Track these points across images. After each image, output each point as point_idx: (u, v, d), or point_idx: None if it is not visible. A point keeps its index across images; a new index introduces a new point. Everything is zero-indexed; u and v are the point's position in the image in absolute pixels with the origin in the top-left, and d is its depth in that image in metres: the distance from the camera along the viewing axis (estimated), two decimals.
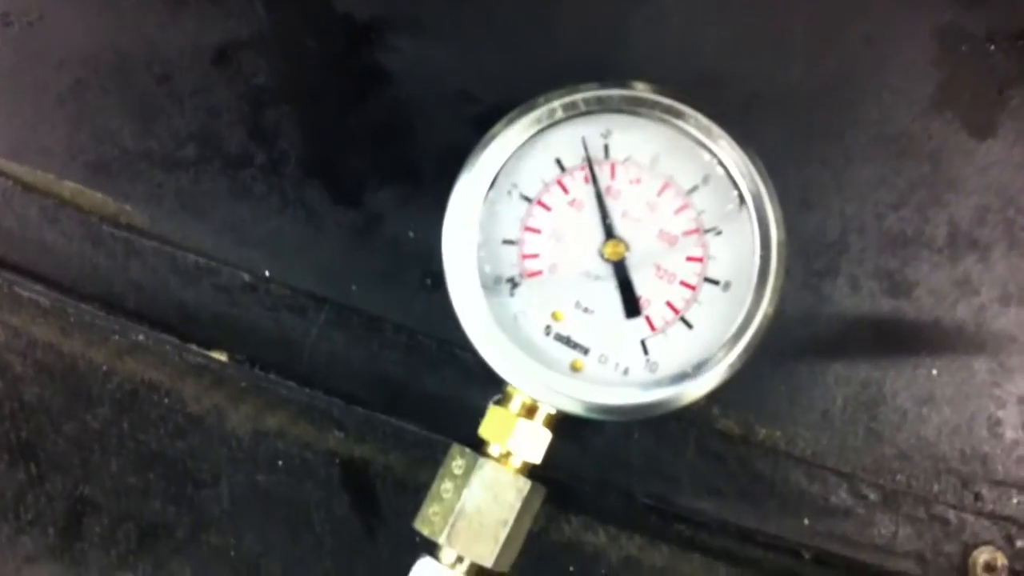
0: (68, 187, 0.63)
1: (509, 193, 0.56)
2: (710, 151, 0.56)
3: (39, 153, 0.63)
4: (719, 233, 0.56)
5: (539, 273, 0.56)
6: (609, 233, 0.56)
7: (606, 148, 0.57)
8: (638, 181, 0.56)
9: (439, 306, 0.57)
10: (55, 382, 0.61)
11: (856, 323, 0.62)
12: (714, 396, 0.59)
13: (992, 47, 0.64)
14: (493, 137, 0.56)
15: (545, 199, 0.56)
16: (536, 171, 0.57)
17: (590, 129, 0.57)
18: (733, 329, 0.54)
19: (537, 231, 0.56)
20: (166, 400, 0.61)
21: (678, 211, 0.56)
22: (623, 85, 0.57)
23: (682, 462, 0.60)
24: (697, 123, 0.56)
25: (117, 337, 0.61)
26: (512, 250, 0.56)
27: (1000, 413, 0.61)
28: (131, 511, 0.61)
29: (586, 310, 0.55)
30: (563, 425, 0.57)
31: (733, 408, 0.61)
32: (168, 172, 0.63)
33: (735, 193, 0.56)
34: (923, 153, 0.63)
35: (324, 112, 0.64)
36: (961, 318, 0.61)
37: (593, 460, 0.60)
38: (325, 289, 0.62)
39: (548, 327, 0.56)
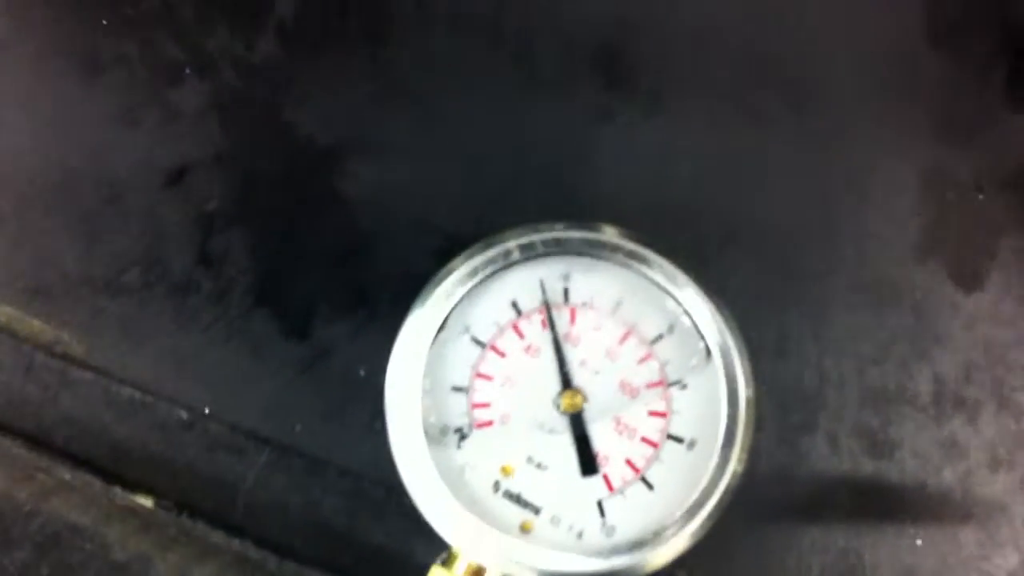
0: (4, 312, 0.59)
1: (461, 336, 0.53)
2: (675, 299, 0.53)
3: None
4: (684, 387, 0.52)
5: (489, 424, 0.52)
6: (566, 383, 0.52)
7: (565, 292, 0.53)
8: (599, 328, 0.53)
9: (388, 450, 0.52)
10: None
11: (834, 484, 0.58)
12: (678, 559, 0.55)
13: (980, 195, 0.61)
14: (446, 275, 0.53)
15: (499, 344, 0.53)
16: (490, 314, 0.53)
17: (549, 271, 0.54)
18: (697, 492, 0.50)
19: (489, 378, 0.52)
20: (89, 545, 0.56)
21: (641, 361, 0.52)
22: (585, 227, 0.54)
23: None
24: (662, 270, 0.53)
25: (43, 475, 0.57)
26: (461, 398, 0.52)
27: None
28: None
29: (539, 466, 0.51)
30: None
31: (699, 573, 0.56)
32: (110, 298, 0.60)
33: (702, 345, 0.52)
34: (906, 303, 0.60)
35: (277, 238, 0.61)
36: (947, 483, 0.58)
37: None
38: (267, 428, 0.58)
39: (497, 483, 0.51)
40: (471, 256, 0.53)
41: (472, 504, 0.50)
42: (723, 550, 0.56)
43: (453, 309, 0.52)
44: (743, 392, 0.51)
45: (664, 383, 0.52)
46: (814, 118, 0.64)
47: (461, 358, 0.52)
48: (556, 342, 0.52)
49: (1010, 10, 0.66)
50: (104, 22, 0.64)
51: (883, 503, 0.58)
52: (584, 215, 0.55)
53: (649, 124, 0.64)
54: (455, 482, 0.50)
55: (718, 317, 0.52)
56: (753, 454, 0.53)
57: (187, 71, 0.63)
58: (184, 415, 0.57)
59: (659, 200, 0.61)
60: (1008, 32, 0.66)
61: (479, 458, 0.51)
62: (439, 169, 0.62)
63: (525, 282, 0.54)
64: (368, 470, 0.57)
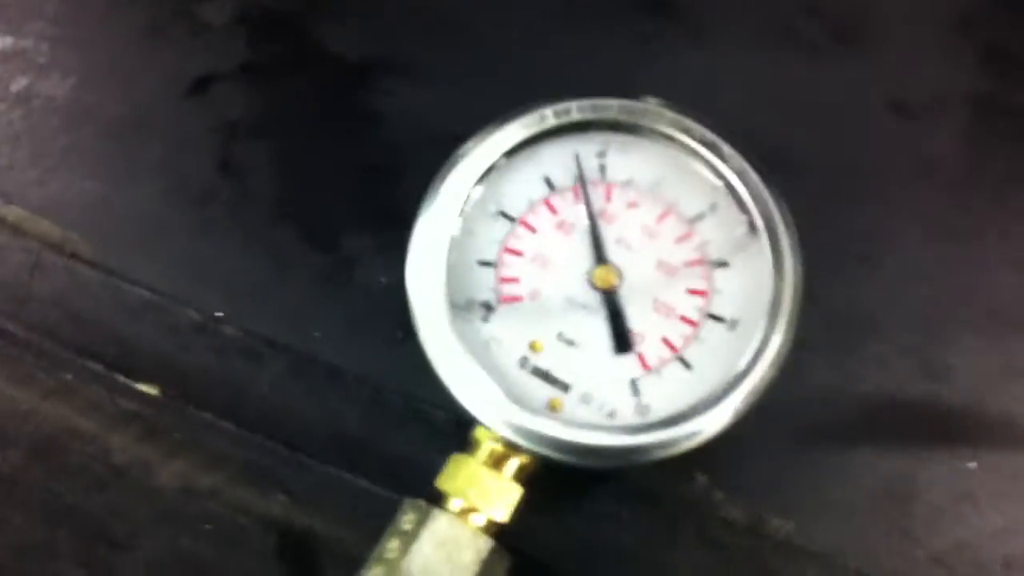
0: (13, 212, 0.57)
1: (490, 211, 0.50)
2: (719, 174, 0.50)
3: None
4: (726, 266, 0.49)
5: (518, 299, 0.49)
6: (600, 259, 0.49)
7: (602, 168, 0.51)
8: (636, 205, 0.50)
9: (409, 360, 0.49)
10: None
11: (886, 406, 0.53)
12: (719, 479, 0.51)
13: None
14: (478, 141, 0.50)
15: (530, 219, 0.50)
16: (522, 189, 0.50)
17: (585, 147, 0.51)
18: (739, 369, 0.46)
19: (519, 253, 0.49)
20: (89, 448, 0.53)
21: (680, 240, 0.50)
22: (625, 97, 0.51)
23: (678, 551, 0.51)
24: (704, 140, 0.50)
25: (44, 376, 0.54)
26: (488, 272, 0.49)
27: None
28: (30, 573, 0.51)
29: (570, 342, 0.48)
30: (541, 495, 0.48)
31: (741, 494, 0.52)
32: (125, 202, 0.57)
33: (745, 220, 0.49)
34: (959, 231, 0.57)
35: (303, 151, 0.59)
36: (1005, 405, 0.53)
37: (575, 540, 0.51)
38: (284, 335, 0.55)
39: (524, 359, 0.48)
40: (503, 122, 0.50)
41: (498, 379, 0.47)
42: (766, 471, 0.52)
43: (484, 178, 0.50)
44: (790, 266, 0.48)
45: (705, 261, 0.49)
46: (861, 49, 0.62)
47: (489, 233, 0.50)
48: (591, 216, 0.50)
49: None
50: None
51: (936, 426, 0.54)
52: None
53: (691, 52, 0.62)
54: (480, 355, 0.47)
55: (763, 190, 0.49)
56: (801, 369, 0.51)
57: None
58: (196, 317, 0.54)
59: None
60: None
61: (506, 333, 0.48)
62: (474, 91, 0.59)
63: (560, 157, 0.51)
64: (388, 380, 0.54)
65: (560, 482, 0.51)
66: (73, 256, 0.56)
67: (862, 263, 0.57)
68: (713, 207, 0.50)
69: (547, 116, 0.50)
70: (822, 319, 0.54)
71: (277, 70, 0.61)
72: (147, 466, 0.53)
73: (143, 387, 0.53)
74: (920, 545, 0.52)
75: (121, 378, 0.53)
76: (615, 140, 0.51)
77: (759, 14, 0.63)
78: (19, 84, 0.60)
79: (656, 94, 0.53)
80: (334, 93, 0.60)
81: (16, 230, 0.57)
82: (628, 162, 0.51)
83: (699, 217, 0.50)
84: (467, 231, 0.49)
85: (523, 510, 0.48)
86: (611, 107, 0.50)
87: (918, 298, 0.57)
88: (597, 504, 0.52)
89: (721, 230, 0.50)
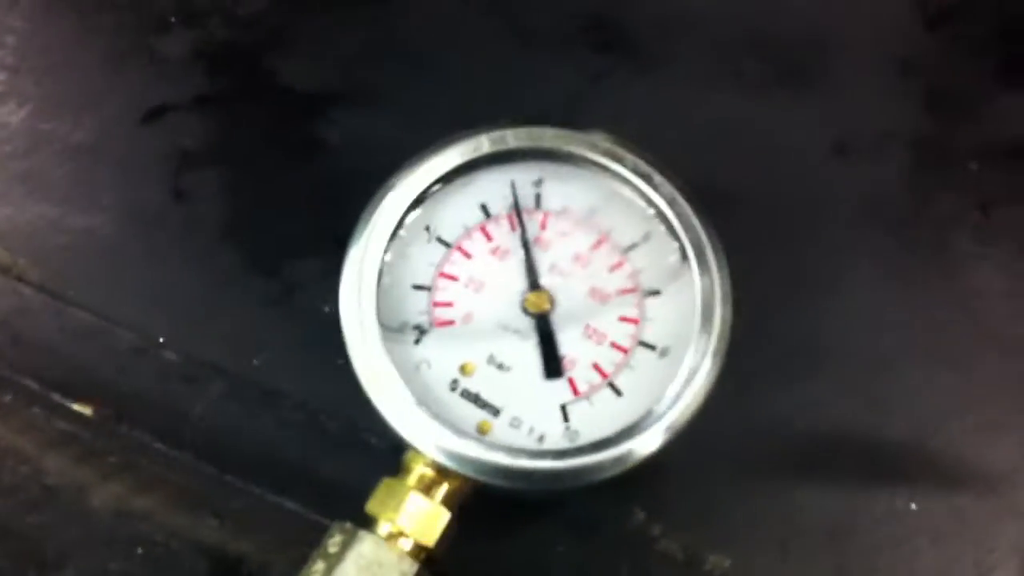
0: None
1: (425, 236, 0.50)
2: (652, 204, 0.50)
3: None
4: (658, 294, 0.49)
5: (451, 323, 0.49)
6: (534, 284, 0.49)
7: (538, 197, 0.51)
8: (570, 234, 0.51)
9: (348, 387, 0.49)
10: None
11: (828, 442, 0.54)
12: (657, 513, 0.51)
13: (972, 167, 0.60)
14: (414, 167, 0.50)
15: (466, 245, 0.50)
16: (458, 215, 0.51)
17: (521, 175, 0.51)
18: (669, 396, 0.46)
19: (453, 278, 0.50)
20: (23, 469, 0.53)
21: (613, 268, 0.50)
22: (560, 125, 0.52)
23: None
24: (636, 169, 0.50)
25: None
26: (422, 296, 0.49)
27: (990, 558, 0.51)
28: None
29: (500, 366, 0.48)
30: (476, 524, 0.48)
31: (679, 529, 0.52)
32: (72, 227, 0.57)
33: (677, 247, 0.50)
34: (898, 266, 0.59)
35: (253, 179, 0.60)
36: (946, 445, 0.53)
37: (508, 571, 0.51)
38: (225, 360, 0.55)
39: (455, 381, 0.48)
40: (438, 149, 0.51)
41: (427, 401, 0.46)
42: (704, 505, 0.52)
43: (418, 205, 0.50)
44: (719, 296, 0.48)
45: (637, 290, 0.49)
46: (807, 90, 0.63)
47: (425, 257, 0.50)
48: (525, 242, 0.50)
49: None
50: None
51: (877, 464, 0.54)
52: None
53: (640, 88, 0.63)
54: (410, 377, 0.47)
55: (694, 217, 0.49)
56: (743, 403, 0.53)
57: (173, 20, 0.62)
58: (137, 340, 0.54)
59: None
60: (1002, 19, 0.65)
61: (437, 355, 0.48)
62: (424, 122, 0.60)
63: (495, 185, 0.51)
64: (327, 406, 0.54)
65: (495, 512, 0.51)
66: (19, 279, 0.56)
67: (807, 299, 0.57)
68: (646, 236, 0.50)
69: (483, 143, 0.50)
70: (765, 353, 0.55)
71: (231, 101, 0.61)
72: (81, 488, 0.53)
73: (78, 407, 0.52)
74: None
75: (58, 397, 0.53)
76: (551, 169, 0.51)
77: (709, 53, 0.64)
78: None
79: (603, 128, 0.54)
80: (285, 123, 0.61)
81: None
82: (564, 191, 0.51)
83: (632, 246, 0.50)
84: (402, 255, 0.50)
85: (457, 539, 0.47)
86: (546, 135, 0.51)
87: (862, 335, 0.57)
88: (533, 535, 0.52)
89: (653, 258, 0.50)
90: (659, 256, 0.50)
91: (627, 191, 0.51)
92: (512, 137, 0.51)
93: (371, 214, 0.50)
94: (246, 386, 0.54)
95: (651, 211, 0.50)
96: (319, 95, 0.62)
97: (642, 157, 0.51)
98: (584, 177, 0.51)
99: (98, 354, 0.55)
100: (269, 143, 0.61)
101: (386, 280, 0.49)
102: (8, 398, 0.54)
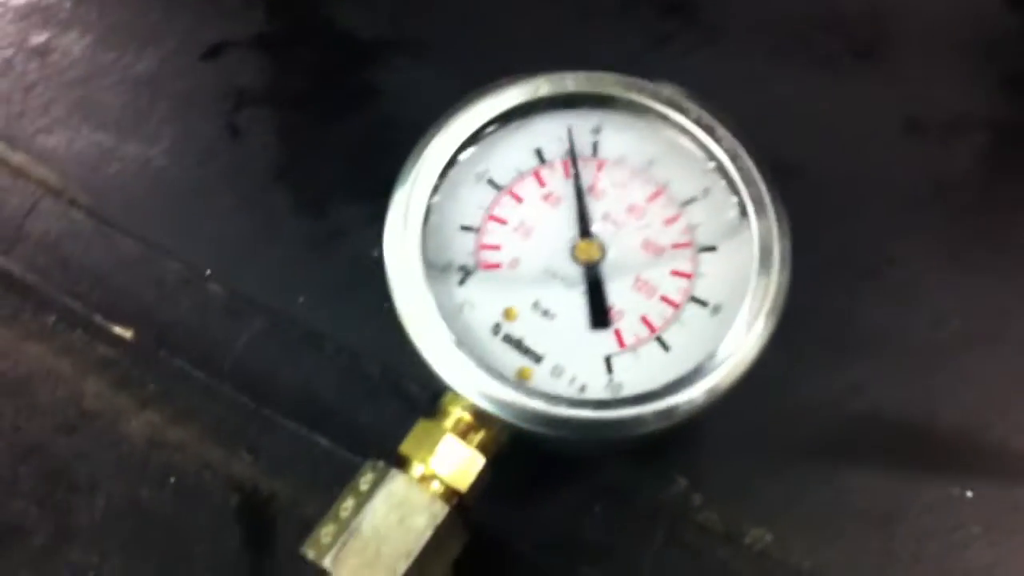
0: (16, 157, 0.57)
1: (477, 177, 0.49)
2: (714, 157, 0.48)
3: None
4: (714, 250, 0.48)
5: (497, 266, 0.47)
6: (584, 232, 0.48)
7: (595, 145, 0.50)
8: (626, 184, 0.49)
9: (391, 333, 0.48)
10: None
11: (879, 425, 0.52)
12: (699, 483, 0.50)
13: None
14: (469, 105, 0.49)
15: (517, 189, 0.49)
16: (512, 159, 0.49)
17: (579, 122, 0.50)
18: (718, 355, 0.44)
19: (502, 221, 0.48)
20: (61, 391, 0.52)
21: (669, 221, 0.48)
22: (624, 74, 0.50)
23: (649, 552, 0.49)
24: (699, 121, 0.49)
25: (27, 317, 0.54)
26: (469, 237, 0.48)
27: None
28: None
29: (545, 313, 0.46)
30: (512, 481, 0.48)
31: (719, 499, 0.51)
32: (126, 156, 0.57)
33: (736, 202, 0.48)
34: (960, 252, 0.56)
35: (307, 122, 0.59)
36: (1005, 435, 0.51)
37: (542, 528, 0.50)
38: (268, 297, 0.54)
39: (498, 325, 0.46)
40: (496, 88, 0.49)
41: (468, 342, 0.45)
42: (748, 479, 0.51)
43: (471, 144, 0.49)
44: (777, 256, 0.46)
45: (692, 245, 0.48)
46: (881, 66, 0.61)
47: (474, 199, 0.49)
48: (578, 189, 0.49)
49: None
50: None
51: (931, 450, 0.52)
52: None
53: (707, 56, 0.61)
54: (452, 317, 0.46)
55: (756, 173, 0.48)
56: (793, 381, 0.52)
57: None
58: (182, 271, 0.54)
59: None
60: None
61: (481, 297, 0.47)
62: (479, 74, 0.59)
63: (553, 130, 0.50)
64: (368, 349, 0.53)
65: (533, 470, 0.50)
66: (71, 203, 0.56)
67: (865, 279, 0.56)
68: (706, 191, 0.49)
69: (541, 86, 0.49)
70: (819, 332, 0.53)
71: (289, 42, 0.61)
72: (117, 414, 0.52)
73: (119, 330, 0.52)
74: (904, 570, 0.49)
75: (100, 320, 0.52)
76: (610, 117, 0.50)
77: (779, 25, 0.62)
78: (39, 38, 0.61)
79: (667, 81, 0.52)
80: (340, 68, 0.61)
81: (18, 173, 0.57)
82: (622, 140, 0.50)
83: (690, 200, 0.49)
84: (451, 195, 0.48)
85: (492, 493, 0.46)
86: (606, 81, 0.49)
87: (919, 319, 0.55)
88: (569, 496, 0.51)
89: (711, 214, 0.48)
90: (717, 212, 0.48)
91: (688, 143, 0.49)
92: (572, 81, 0.50)
93: (421, 152, 0.48)
94: (288, 325, 0.54)
95: (712, 165, 0.49)
96: (373, 42, 0.62)
97: (706, 109, 0.49)
98: (644, 127, 0.50)
99: (144, 282, 0.55)
100: (323, 87, 0.60)
101: (434, 219, 0.48)
102: (52, 319, 0.54)
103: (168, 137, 0.58)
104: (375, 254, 0.53)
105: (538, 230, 0.49)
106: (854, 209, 0.57)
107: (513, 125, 0.50)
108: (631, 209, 0.49)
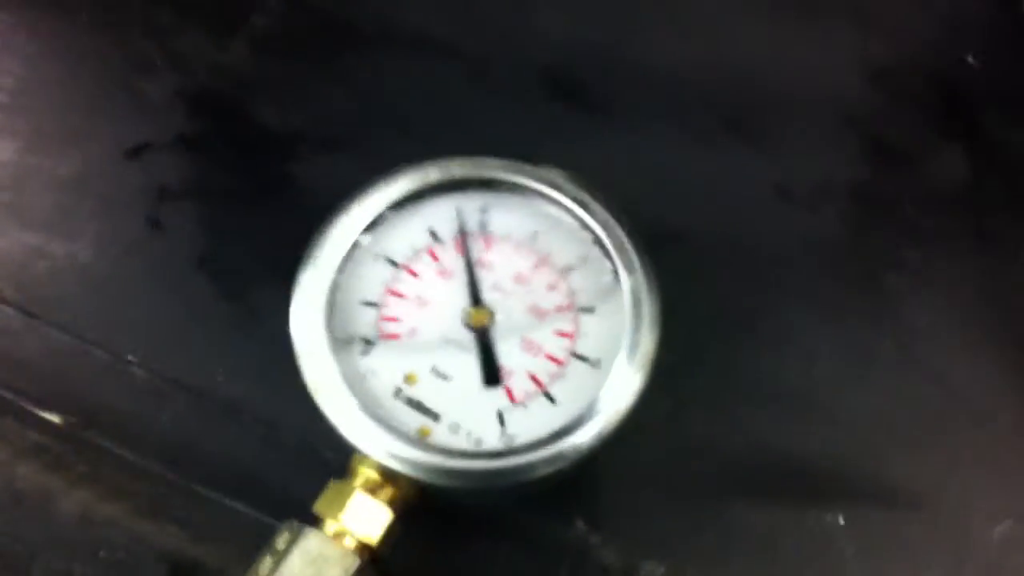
0: None
1: (375, 256, 0.54)
2: (589, 229, 0.54)
3: None
4: (592, 311, 0.53)
5: (396, 336, 0.52)
6: (475, 300, 0.53)
7: (483, 223, 0.55)
8: (512, 256, 0.55)
9: (305, 403, 0.52)
10: None
11: (761, 461, 0.57)
12: (596, 523, 0.54)
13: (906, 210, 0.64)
14: (365, 192, 0.54)
15: (414, 265, 0.54)
16: (407, 238, 0.55)
17: (468, 203, 0.55)
18: (600, 404, 0.50)
19: (401, 295, 0.53)
20: None
21: (551, 287, 0.54)
22: (504, 159, 0.56)
23: None
24: (575, 198, 0.54)
25: None
26: (371, 312, 0.53)
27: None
28: None
29: (442, 376, 0.51)
30: (419, 530, 0.51)
31: (616, 538, 0.55)
32: (51, 251, 0.61)
33: (610, 268, 0.53)
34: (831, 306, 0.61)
35: (227, 213, 0.63)
36: (874, 463, 0.57)
37: (450, 568, 0.53)
38: (190, 377, 0.58)
39: (399, 389, 0.51)
40: (392, 177, 0.55)
41: (372, 407, 0.50)
42: (645, 517, 0.55)
43: (370, 229, 0.54)
44: (647, 312, 0.52)
45: (572, 307, 0.53)
46: (753, 139, 0.67)
47: (374, 276, 0.54)
48: (468, 263, 0.54)
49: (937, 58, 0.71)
50: (85, 19, 0.69)
51: (806, 481, 0.57)
52: None
53: (592, 133, 0.67)
54: (356, 386, 0.50)
55: (627, 243, 0.53)
56: (680, 423, 0.57)
57: (158, 63, 0.67)
58: (109, 359, 0.58)
59: None
60: (934, 75, 0.70)
61: (383, 365, 0.52)
62: (383, 164, 0.64)
63: (444, 212, 0.55)
64: (285, 420, 0.57)
65: (442, 521, 0.54)
66: (1, 301, 0.60)
67: (742, 330, 0.61)
68: (583, 259, 0.54)
69: (431, 172, 0.54)
70: (703, 379, 0.58)
71: (209, 140, 0.65)
72: (49, 494, 0.55)
73: (48, 415, 0.55)
74: None
75: (30, 407, 0.56)
76: (496, 198, 0.55)
77: (658, 103, 0.68)
78: None
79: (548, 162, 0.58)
80: (258, 161, 0.65)
81: None
82: (507, 217, 0.55)
83: (570, 268, 0.54)
84: (353, 273, 0.53)
85: (403, 545, 0.50)
86: (489, 165, 0.55)
87: (792, 365, 0.60)
88: (476, 544, 0.55)
89: (589, 279, 0.54)
90: (594, 277, 0.54)
91: (567, 217, 0.54)
92: (458, 167, 0.55)
93: (324, 236, 0.53)
94: (209, 401, 0.57)
95: (588, 236, 0.54)
96: (289, 137, 0.66)
97: (582, 187, 0.55)
98: (526, 204, 0.55)
99: (72, 370, 0.58)
100: (242, 180, 0.64)
101: (338, 296, 0.52)
102: None
103: (93, 233, 0.62)
104: (289, 331, 0.57)
105: (433, 301, 0.54)
106: (730, 268, 0.62)
107: (407, 209, 0.55)
108: (517, 278, 0.54)
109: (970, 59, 0.71)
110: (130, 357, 0.58)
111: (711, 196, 0.65)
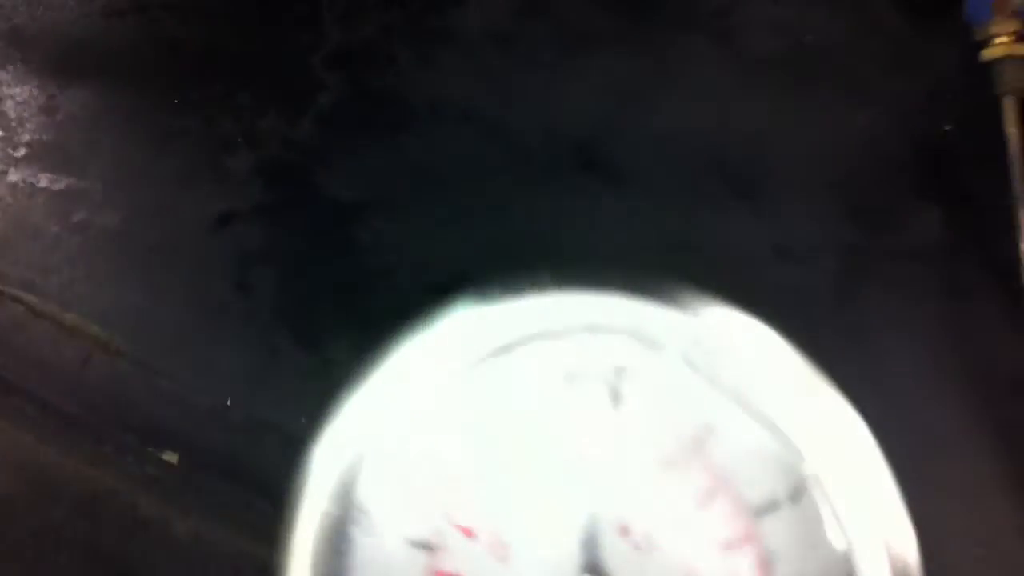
0: (70, 317, 0.72)
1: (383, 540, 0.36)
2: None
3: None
4: None
5: None
6: (591, 568, 0.33)
7: (615, 394, 0.36)
8: (664, 472, 0.34)
9: None
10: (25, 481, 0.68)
11: None
12: None
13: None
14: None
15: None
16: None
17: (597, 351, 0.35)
18: None
19: (470, 533, 0.36)
20: (119, 504, 0.67)
21: (731, 546, 0.34)
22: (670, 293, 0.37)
23: None
24: (795, 368, 0.35)
25: (89, 446, 0.68)
26: (418, 560, 0.35)
27: None
28: None
29: None
30: None
31: None
32: (159, 313, 0.72)
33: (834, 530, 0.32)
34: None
35: (303, 275, 0.74)
36: None
37: None
38: (277, 418, 0.69)
39: None
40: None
41: None
42: None
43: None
44: None
45: None
46: (753, 203, 0.77)
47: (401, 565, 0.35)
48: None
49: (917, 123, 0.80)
50: (175, 101, 0.80)
51: None
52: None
53: (618, 204, 0.77)
54: None
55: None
56: None
57: (239, 140, 0.78)
58: (209, 402, 0.69)
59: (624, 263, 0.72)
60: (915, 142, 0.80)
61: None
62: (440, 231, 0.75)
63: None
64: None
65: None
66: (116, 353, 0.71)
67: None
68: (796, 494, 0.34)
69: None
70: None
71: (284, 209, 0.76)
72: (166, 520, 0.67)
73: (166, 456, 0.67)
74: None
75: (149, 448, 0.67)
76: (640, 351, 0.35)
77: (673, 173, 0.78)
78: (79, 216, 0.76)
79: (577, 242, 0.68)
80: (328, 227, 0.75)
81: (72, 332, 0.72)
82: (660, 393, 0.35)
83: (770, 508, 0.34)
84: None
85: None
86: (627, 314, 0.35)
87: None
88: None
89: (801, 534, 0.33)
90: (812, 535, 0.33)
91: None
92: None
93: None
94: (297, 441, 0.68)
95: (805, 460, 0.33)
96: (353, 204, 0.76)
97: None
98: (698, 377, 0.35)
99: (179, 413, 0.69)
100: (314, 243, 0.75)
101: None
102: (108, 448, 0.69)
103: (189, 295, 0.73)
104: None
105: (518, 548, 0.35)
106: None
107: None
108: (674, 516, 0.34)
109: (947, 127, 0.80)
110: (228, 402, 0.69)
111: (717, 257, 0.74)
